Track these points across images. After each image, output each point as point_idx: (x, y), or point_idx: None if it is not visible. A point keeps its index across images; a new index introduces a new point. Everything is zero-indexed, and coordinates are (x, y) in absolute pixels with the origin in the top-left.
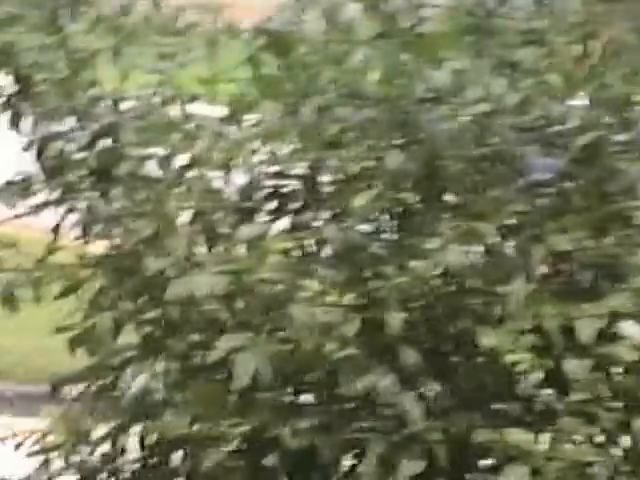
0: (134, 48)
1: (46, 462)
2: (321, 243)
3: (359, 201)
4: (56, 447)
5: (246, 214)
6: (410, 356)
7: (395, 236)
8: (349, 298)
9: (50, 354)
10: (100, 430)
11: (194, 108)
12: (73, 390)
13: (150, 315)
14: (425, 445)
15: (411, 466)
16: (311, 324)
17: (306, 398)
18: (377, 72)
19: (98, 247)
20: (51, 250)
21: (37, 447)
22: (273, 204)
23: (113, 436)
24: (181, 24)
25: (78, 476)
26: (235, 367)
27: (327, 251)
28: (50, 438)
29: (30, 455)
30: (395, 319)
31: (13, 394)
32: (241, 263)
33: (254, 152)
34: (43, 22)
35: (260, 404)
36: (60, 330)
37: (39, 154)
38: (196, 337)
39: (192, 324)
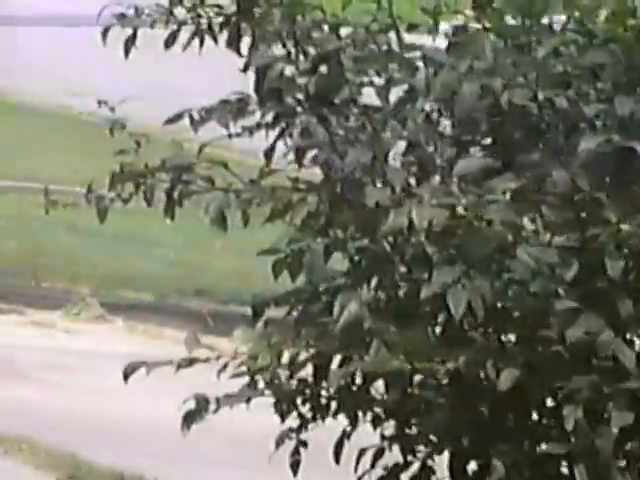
0: None
1: (253, 382)
2: (542, 183)
3: (587, 144)
4: (259, 370)
5: (463, 147)
6: (626, 305)
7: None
8: (567, 240)
9: (249, 276)
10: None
11: (413, 38)
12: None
13: (362, 243)
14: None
15: (622, 417)
16: (535, 265)
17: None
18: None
19: (310, 173)
20: (263, 173)
21: (240, 368)
22: (489, 139)
23: (315, 362)
24: None
25: (273, 399)
26: (448, 300)
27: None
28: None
29: (234, 376)
30: (615, 265)
31: (210, 313)
32: (462, 199)
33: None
34: None
35: (469, 341)
36: (264, 252)
37: (256, 76)
38: (407, 270)
39: (403, 256)
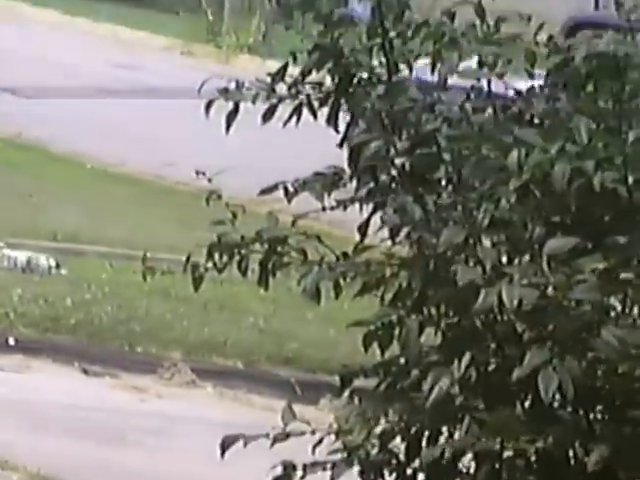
0: (454, 54)
1: (348, 458)
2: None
3: None
4: (356, 447)
5: (553, 227)
6: None
7: None
8: None
9: (335, 346)
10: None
11: None
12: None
13: (453, 320)
14: None
15: None
16: (621, 346)
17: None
18: None
19: (403, 249)
20: (358, 248)
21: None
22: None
23: (404, 434)
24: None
25: (358, 468)
26: (539, 381)
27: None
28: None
29: (331, 453)
30: None
31: (298, 381)
32: (551, 279)
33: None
34: (369, 24)
35: (558, 420)
36: (355, 324)
37: (351, 152)
38: (496, 347)
39: (494, 334)
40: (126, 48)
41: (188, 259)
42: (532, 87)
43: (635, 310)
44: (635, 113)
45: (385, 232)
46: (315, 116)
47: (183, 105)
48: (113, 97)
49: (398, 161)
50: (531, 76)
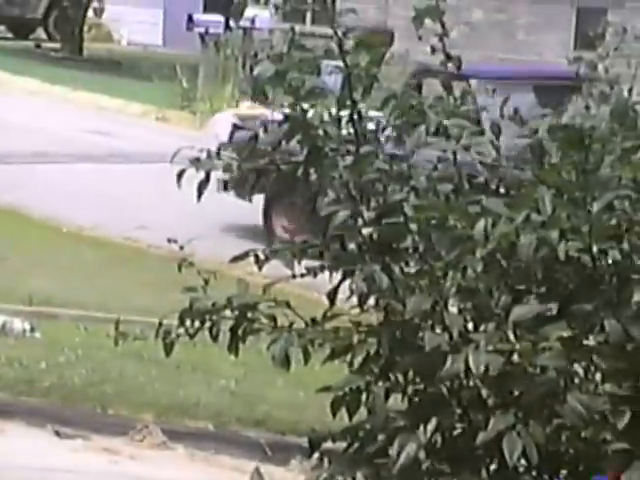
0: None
1: None
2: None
3: None
4: None
5: (519, 295)
6: None
7: None
8: (619, 389)
9: (305, 408)
10: None
11: None
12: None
13: (419, 386)
14: None
15: None
16: (585, 413)
17: None
18: None
19: (371, 316)
20: (326, 314)
21: None
22: (544, 288)
23: None
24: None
25: None
26: (504, 446)
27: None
28: None
29: None
30: None
31: (268, 442)
32: (517, 345)
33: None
34: (339, 95)
35: None
36: (324, 389)
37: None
38: (462, 413)
39: (460, 399)
40: (103, 115)
41: (160, 325)
42: (498, 158)
43: (597, 376)
44: (598, 184)
45: (355, 299)
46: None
47: (157, 170)
48: (90, 162)
49: (365, 230)
50: (497, 149)
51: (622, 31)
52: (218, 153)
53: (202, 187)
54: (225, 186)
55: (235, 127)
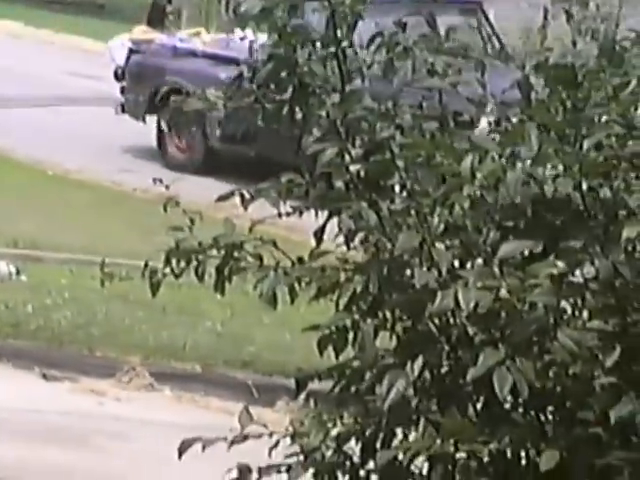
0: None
1: (305, 460)
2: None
3: (629, 232)
4: (312, 450)
5: (506, 232)
6: None
7: None
8: (608, 325)
9: (292, 349)
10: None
11: None
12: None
13: (408, 324)
14: None
15: None
16: (576, 349)
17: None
18: None
19: (358, 254)
20: (313, 253)
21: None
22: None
23: (359, 436)
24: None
25: (312, 470)
26: (494, 380)
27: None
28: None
29: (288, 457)
30: None
31: (255, 383)
32: (505, 282)
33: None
34: (323, 34)
35: (512, 423)
36: (310, 328)
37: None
38: (450, 350)
39: (448, 337)
40: (87, 58)
41: (146, 265)
42: (483, 95)
43: (585, 313)
44: (587, 121)
45: (341, 238)
46: (270, 122)
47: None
48: (74, 105)
49: (353, 168)
50: (483, 86)
51: None
52: (116, 76)
53: None
54: (123, 109)
55: (131, 51)
